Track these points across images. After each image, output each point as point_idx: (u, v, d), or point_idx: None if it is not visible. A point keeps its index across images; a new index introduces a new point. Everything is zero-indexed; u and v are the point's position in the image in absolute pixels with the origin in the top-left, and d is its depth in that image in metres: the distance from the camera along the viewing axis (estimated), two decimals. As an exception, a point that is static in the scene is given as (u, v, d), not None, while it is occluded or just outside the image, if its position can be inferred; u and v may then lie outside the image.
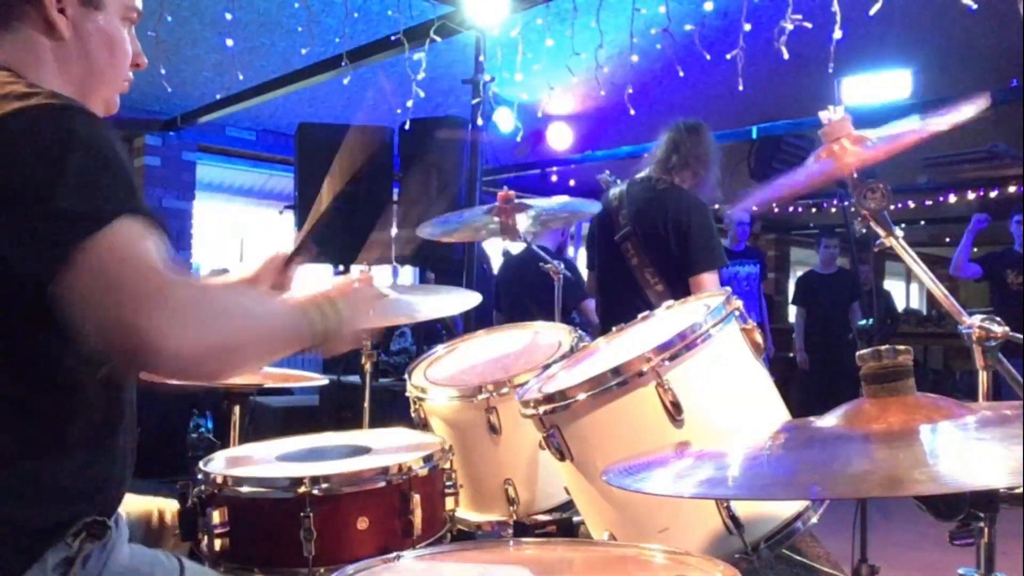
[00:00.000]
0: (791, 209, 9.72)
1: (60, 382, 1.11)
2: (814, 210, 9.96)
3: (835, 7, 3.16)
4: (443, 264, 5.00)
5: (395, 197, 4.92)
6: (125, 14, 1.28)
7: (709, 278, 3.01)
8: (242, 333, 1.09)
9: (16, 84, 1.09)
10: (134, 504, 1.56)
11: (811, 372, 6.76)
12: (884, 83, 5.34)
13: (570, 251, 5.71)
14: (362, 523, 1.57)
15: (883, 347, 1.10)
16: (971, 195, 8.87)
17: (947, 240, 13.38)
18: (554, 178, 8.03)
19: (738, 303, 1.66)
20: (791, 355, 7.21)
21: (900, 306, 12.61)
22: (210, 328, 1.04)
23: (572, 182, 8.39)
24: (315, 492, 1.53)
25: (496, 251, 5.81)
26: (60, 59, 1.20)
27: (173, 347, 0.99)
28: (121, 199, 1.03)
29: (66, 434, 1.11)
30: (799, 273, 7.62)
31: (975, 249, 6.08)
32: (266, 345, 1.14)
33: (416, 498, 1.61)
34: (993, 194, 8.62)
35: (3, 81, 1.09)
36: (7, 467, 1.08)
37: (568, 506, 1.98)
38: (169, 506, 1.62)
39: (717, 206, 6.94)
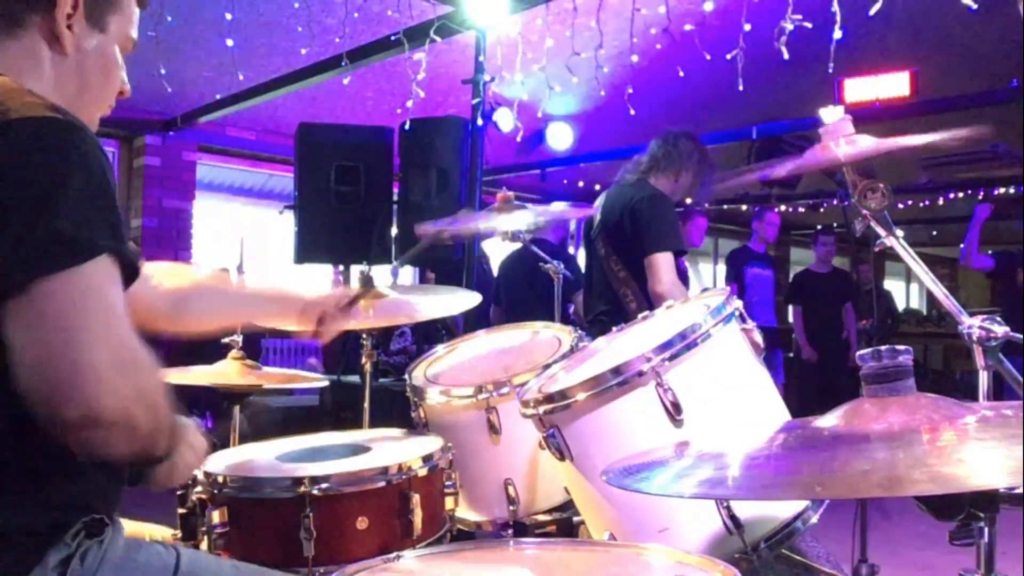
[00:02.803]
0: (791, 209, 9.72)
1: None
2: (813, 210, 9.96)
3: (835, 7, 3.16)
4: (443, 264, 5.00)
5: (395, 197, 4.92)
6: (123, 42, 1.31)
7: (662, 258, 3.03)
8: (145, 417, 1.05)
9: (19, 91, 1.09)
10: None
11: (806, 371, 6.74)
12: (884, 83, 5.34)
13: (570, 249, 5.71)
14: (362, 523, 1.57)
15: (883, 347, 1.10)
16: (971, 195, 8.87)
17: (947, 240, 13.39)
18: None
19: (737, 303, 1.66)
20: (790, 354, 7.21)
21: (900, 306, 12.59)
22: (136, 400, 1.02)
23: (565, 181, 8.40)
24: (315, 492, 1.53)
25: (496, 251, 5.81)
26: (57, 73, 1.21)
27: (105, 400, 0.97)
28: (108, 235, 1.04)
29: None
30: (799, 273, 7.61)
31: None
32: (147, 441, 1.09)
33: (416, 498, 1.61)
34: (993, 194, 8.62)
35: (8, 87, 1.10)
36: (8, 477, 1.08)
37: (568, 506, 1.98)
38: (160, 532, 1.62)
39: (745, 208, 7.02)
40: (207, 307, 1.67)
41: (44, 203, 1.00)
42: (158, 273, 1.60)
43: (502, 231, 2.76)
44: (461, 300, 2.43)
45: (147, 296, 1.52)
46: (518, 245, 3.89)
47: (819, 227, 8.09)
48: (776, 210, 6.89)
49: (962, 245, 5.87)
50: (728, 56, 3.68)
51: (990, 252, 5.91)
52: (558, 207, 3.71)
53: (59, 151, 1.03)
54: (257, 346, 6.10)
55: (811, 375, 6.67)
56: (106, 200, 1.06)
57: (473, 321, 3.94)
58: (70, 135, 1.05)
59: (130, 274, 1.08)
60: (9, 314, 0.98)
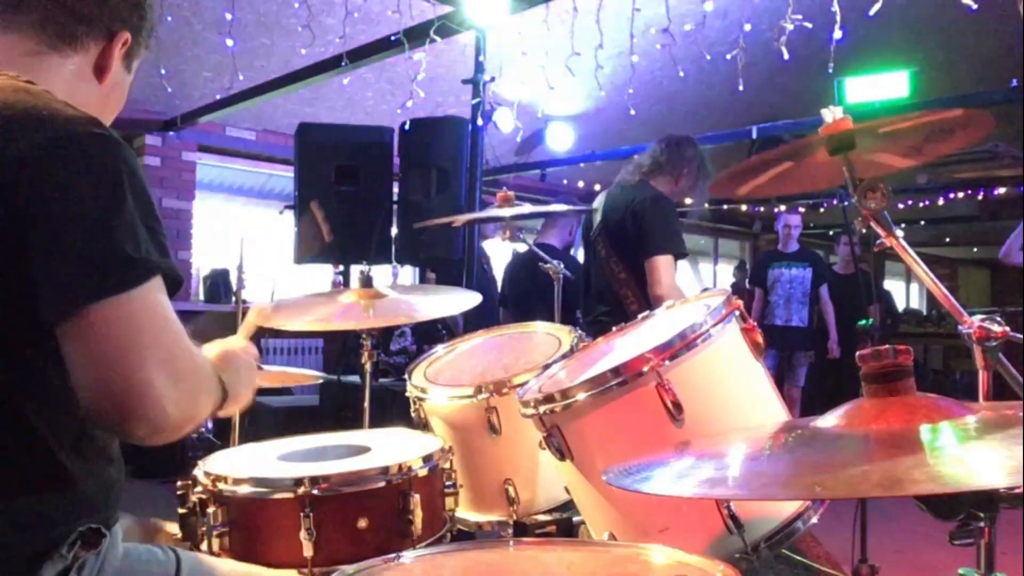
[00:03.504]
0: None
1: (55, 399, 1.09)
2: (811, 210, 9.96)
3: (835, 7, 3.17)
4: (443, 264, 5.00)
5: (395, 197, 4.92)
6: (131, 79, 1.36)
7: (662, 260, 3.07)
8: (204, 409, 1.15)
9: (61, 104, 1.10)
10: (136, 526, 1.56)
11: (820, 371, 6.71)
12: (884, 83, 5.34)
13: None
14: (362, 523, 1.57)
15: (883, 347, 1.10)
16: (971, 195, 8.88)
17: (947, 240, 13.40)
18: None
19: (737, 303, 1.66)
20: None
21: (900, 306, 12.59)
22: (193, 402, 1.08)
23: (566, 181, 8.39)
24: (315, 492, 1.53)
25: (496, 251, 5.81)
26: (86, 99, 1.23)
27: (170, 411, 1.01)
28: (158, 253, 1.06)
29: (64, 450, 1.09)
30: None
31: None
32: (204, 417, 1.18)
33: (416, 498, 1.61)
34: (993, 194, 8.63)
35: (50, 99, 1.11)
36: (6, 493, 1.07)
37: (568, 506, 1.98)
38: (169, 527, 1.62)
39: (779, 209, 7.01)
40: None
41: (102, 224, 1.01)
42: None
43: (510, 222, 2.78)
44: (461, 300, 2.43)
45: None
46: (521, 248, 3.89)
47: (840, 227, 8.09)
48: (797, 210, 6.90)
49: (1005, 244, 5.87)
50: (728, 56, 3.68)
51: None
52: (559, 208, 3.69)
53: (112, 170, 1.05)
54: (257, 346, 6.09)
55: (830, 375, 6.64)
56: (153, 216, 1.08)
57: (474, 321, 3.94)
58: (119, 152, 1.07)
59: (175, 285, 1.10)
60: (67, 334, 0.99)
